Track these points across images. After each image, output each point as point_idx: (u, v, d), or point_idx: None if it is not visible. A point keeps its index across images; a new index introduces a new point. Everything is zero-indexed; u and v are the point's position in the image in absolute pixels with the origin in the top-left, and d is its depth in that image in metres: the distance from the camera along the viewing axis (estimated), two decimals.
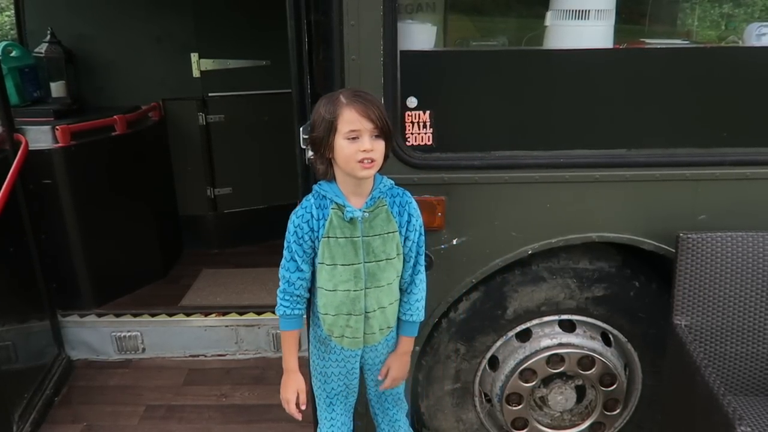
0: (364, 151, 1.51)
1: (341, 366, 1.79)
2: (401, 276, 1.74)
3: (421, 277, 1.77)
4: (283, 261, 1.67)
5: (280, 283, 1.69)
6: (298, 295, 1.68)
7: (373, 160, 1.53)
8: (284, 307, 1.69)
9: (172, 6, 3.57)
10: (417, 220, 1.70)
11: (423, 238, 1.73)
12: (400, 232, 1.68)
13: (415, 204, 1.70)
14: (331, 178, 1.62)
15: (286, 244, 1.65)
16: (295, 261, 1.65)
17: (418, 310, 1.77)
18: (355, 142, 1.52)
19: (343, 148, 1.52)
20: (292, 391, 1.74)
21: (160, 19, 3.60)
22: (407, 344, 1.82)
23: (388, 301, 1.72)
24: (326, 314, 1.70)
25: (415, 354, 2.10)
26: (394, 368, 1.81)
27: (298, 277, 1.66)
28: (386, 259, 1.66)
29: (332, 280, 1.65)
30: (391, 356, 1.82)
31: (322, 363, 1.80)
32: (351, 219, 1.60)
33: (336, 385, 1.82)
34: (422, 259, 1.75)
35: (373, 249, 1.64)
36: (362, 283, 1.66)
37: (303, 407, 1.76)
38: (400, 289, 1.76)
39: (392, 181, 1.69)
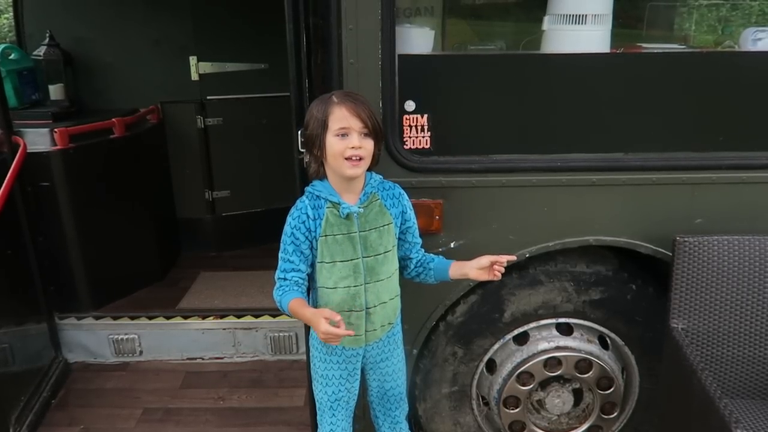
0: (353, 147, 1.55)
1: (343, 368, 1.79)
2: (413, 257, 1.78)
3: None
4: (279, 263, 1.67)
5: (276, 284, 1.66)
6: (295, 282, 1.64)
7: (361, 158, 1.57)
8: (283, 290, 1.63)
9: (171, 9, 3.57)
10: (411, 209, 1.76)
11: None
12: (396, 224, 1.71)
13: (406, 195, 1.75)
14: (323, 176, 1.66)
15: (282, 247, 1.66)
16: (292, 262, 1.64)
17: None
18: (345, 140, 1.56)
19: (332, 145, 1.57)
20: (320, 322, 1.50)
21: (159, 22, 3.60)
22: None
23: (389, 296, 1.74)
24: None
25: (412, 357, 2.10)
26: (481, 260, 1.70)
27: (295, 273, 1.65)
28: (384, 252, 1.69)
29: (332, 278, 1.67)
30: (468, 266, 1.72)
31: (324, 366, 1.80)
32: (347, 215, 1.63)
33: (337, 389, 1.81)
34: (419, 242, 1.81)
35: (370, 243, 1.67)
36: (362, 278, 1.68)
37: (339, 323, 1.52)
38: (420, 265, 1.79)
39: (381, 176, 1.71)
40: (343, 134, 1.56)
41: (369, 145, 1.59)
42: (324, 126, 1.57)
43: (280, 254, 1.66)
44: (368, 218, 1.67)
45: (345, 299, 1.69)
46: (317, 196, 1.64)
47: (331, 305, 1.70)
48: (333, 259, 1.65)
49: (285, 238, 1.65)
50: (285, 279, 1.65)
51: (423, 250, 1.82)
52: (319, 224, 1.63)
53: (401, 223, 1.74)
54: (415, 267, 1.80)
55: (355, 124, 1.56)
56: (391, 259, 1.72)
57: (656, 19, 2.47)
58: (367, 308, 1.71)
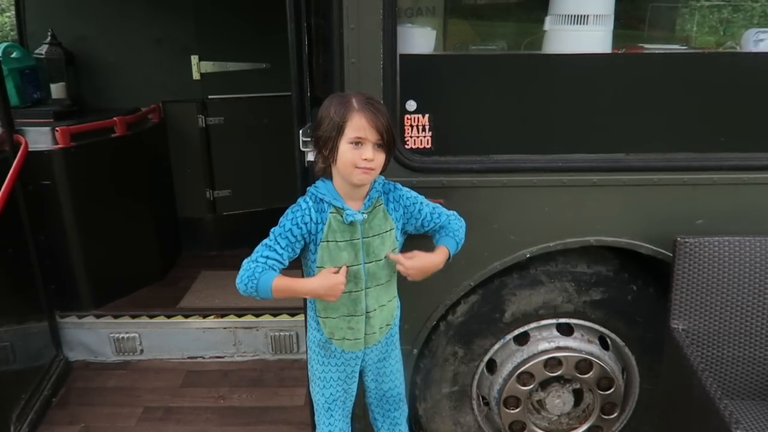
0: (366, 159, 1.52)
1: (341, 370, 1.78)
2: (442, 223, 1.74)
3: (454, 217, 1.76)
4: (259, 249, 1.59)
5: (245, 268, 1.58)
6: (270, 266, 1.58)
7: (371, 169, 1.55)
8: (260, 270, 1.56)
9: (173, 8, 3.57)
10: (415, 200, 1.71)
11: (425, 201, 1.73)
12: (398, 227, 1.69)
13: (405, 191, 1.70)
14: (329, 176, 1.63)
15: (272, 237, 1.59)
16: (278, 253, 1.58)
17: (458, 229, 1.74)
18: (358, 149, 1.52)
19: (345, 152, 1.53)
20: (327, 276, 1.59)
21: (161, 22, 3.60)
22: (441, 254, 1.70)
23: (387, 298, 1.74)
24: (327, 317, 1.71)
25: (412, 357, 2.10)
26: (418, 260, 1.67)
27: (274, 262, 1.58)
28: (385, 257, 1.67)
29: None
30: (422, 254, 1.69)
31: (322, 368, 1.79)
32: (351, 222, 1.61)
33: (335, 390, 1.81)
34: (442, 210, 1.75)
35: (373, 249, 1.65)
36: (362, 283, 1.66)
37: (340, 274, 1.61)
38: (436, 228, 1.75)
39: (383, 177, 1.68)
40: (358, 143, 1.52)
41: (381, 157, 1.55)
42: (339, 130, 1.52)
43: (264, 242, 1.59)
44: (372, 224, 1.64)
45: (345, 304, 1.68)
46: (320, 199, 1.61)
47: (332, 310, 1.69)
48: (334, 264, 1.62)
49: (279, 231, 1.59)
50: (258, 262, 1.56)
51: (445, 213, 1.75)
52: (321, 228, 1.60)
53: (410, 221, 1.70)
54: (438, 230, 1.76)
55: (372, 135, 1.52)
56: (391, 263, 1.70)
57: (658, 20, 2.47)
58: (367, 312, 1.70)
